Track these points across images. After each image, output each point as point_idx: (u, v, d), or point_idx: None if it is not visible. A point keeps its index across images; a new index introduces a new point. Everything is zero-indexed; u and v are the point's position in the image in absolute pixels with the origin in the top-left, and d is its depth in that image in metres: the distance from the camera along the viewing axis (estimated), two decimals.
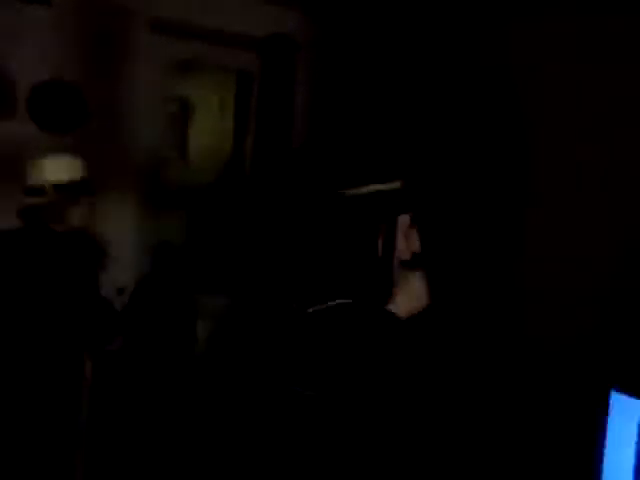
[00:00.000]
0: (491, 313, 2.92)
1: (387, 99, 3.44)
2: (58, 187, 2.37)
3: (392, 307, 1.85)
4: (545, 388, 2.50)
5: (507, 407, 2.61)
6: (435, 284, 1.89)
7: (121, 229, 3.24)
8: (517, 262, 2.96)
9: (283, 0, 3.62)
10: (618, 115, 2.69)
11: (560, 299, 2.72)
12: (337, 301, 1.80)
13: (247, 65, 3.70)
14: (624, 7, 2.68)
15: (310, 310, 1.80)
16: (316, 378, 1.80)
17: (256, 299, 3.48)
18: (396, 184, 1.97)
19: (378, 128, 3.22)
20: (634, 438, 1.87)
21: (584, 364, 2.37)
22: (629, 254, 2.54)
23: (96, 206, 2.52)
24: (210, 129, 3.70)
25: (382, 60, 3.51)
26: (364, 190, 1.98)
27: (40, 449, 2.25)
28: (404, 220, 1.89)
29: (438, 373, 1.90)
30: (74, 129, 2.94)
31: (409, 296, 1.75)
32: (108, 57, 3.31)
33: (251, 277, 3.60)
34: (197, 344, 3.33)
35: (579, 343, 2.42)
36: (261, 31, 3.62)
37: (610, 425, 1.94)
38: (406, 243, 1.84)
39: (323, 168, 3.10)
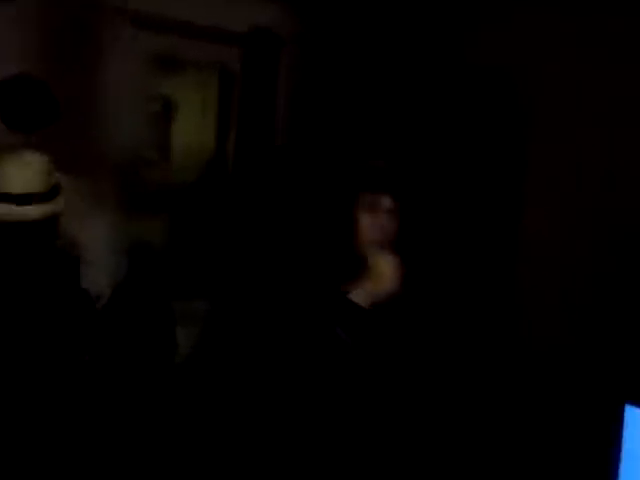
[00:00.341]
0: (488, 317, 2.80)
1: (375, 93, 3.32)
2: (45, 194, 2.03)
3: (357, 292, 1.75)
4: (554, 402, 2.38)
5: (514, 425, 2.50)
6: (410, 268, 1.80)
7: (97, 233, 3.08)
8: (512, 263, 2.85)
9: None
10: (616, 114, 2.59)
11: (558, 303, 2.61)
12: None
13: (229, 61, 3.55)
14: (624, 7, 2.59)
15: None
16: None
17: (237, 301, 3.35)
18: (380, 163, 1.91)
19: (366, 122, 3.12)
20: None
21: (595, 376, 2.25)
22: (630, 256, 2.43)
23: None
24: (192, 128, 3.55)
25: (369, 54, 3.38)
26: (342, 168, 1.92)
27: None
28: (380, 201, 1.83)
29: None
30: (43, 128, 2.77)
31: (377, 279, 1.76)
32: (84, 52, 3.14)
33: (232, 279, 3.47)
34: (177, 351, 3.19)
35: (589, 354, 2.31)
36: (244, 25, 3.47)
37: (625, 441, 1.81)
38: (372, 222, 1.82)
39: (305, 164, 2.95)
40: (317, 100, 3.54)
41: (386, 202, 1.87)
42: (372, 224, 1.83)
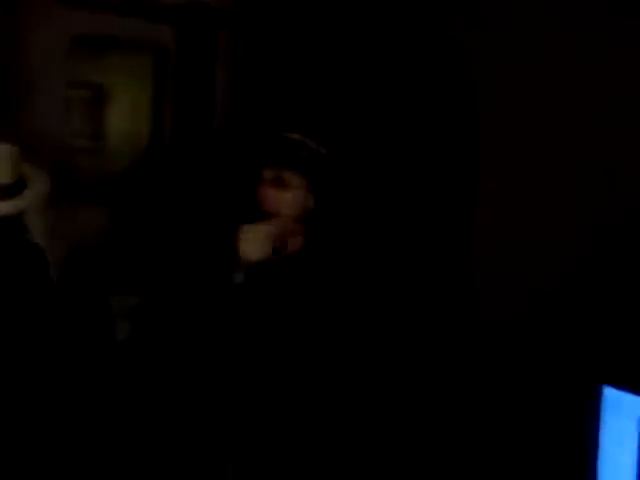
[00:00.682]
0: (444, 295, 2.74)
1: (317, 66, 3.20)
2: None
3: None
4: (529, 386, 2.33)
5: (484, 411, 2.44)
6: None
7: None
8: (467, 246, 2.78)
9: None
10: (571, 92, 2.52)
11: (526, 283, 2.55)
12: None
13: (163, 39, 3.35)
14: None
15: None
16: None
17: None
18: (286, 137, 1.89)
19: (304, 98, 3.04)
20: (634, 439, 1.68)
21: (570, 357, 2.20)
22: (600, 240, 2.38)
23: None
24: (126, 113, 3.35)
25: (315, 30, 3.25)
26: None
27: None
28: (282, 176, 1.82)
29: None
30: None
31: (241, 249, 1.79)
32: (4, 30, 2.89)
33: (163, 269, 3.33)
34: (117, 347, 3.04)
35: (562, 333, 2.26)
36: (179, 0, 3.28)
37: (605, 424, 1.75)
38: (272, 197, 1.83)
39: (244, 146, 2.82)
40: (258, 78, 3.39)
41: (288, 177, 1.86)
42: (271, 199, 1.84)
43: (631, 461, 1.68)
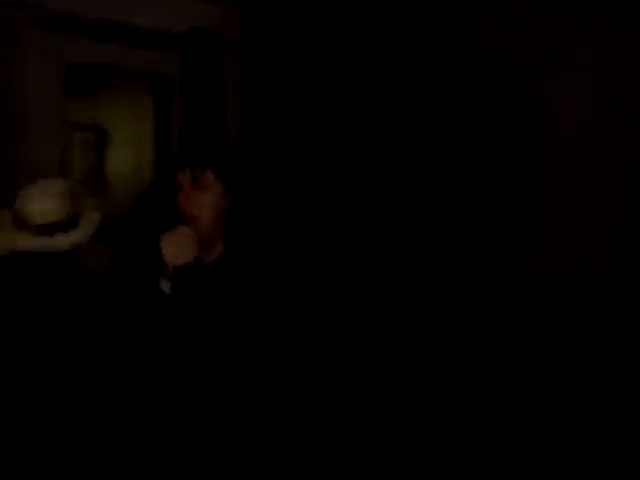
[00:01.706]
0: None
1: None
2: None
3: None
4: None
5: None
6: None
7: None
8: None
9: None
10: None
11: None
12: None
13: (167, 68, 3.08)
14: None
15: None
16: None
17: None
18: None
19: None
20: None
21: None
22: None
23: None
24: (129, 153, 3.08)
25: (321, 54, 2.99)
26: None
27: None
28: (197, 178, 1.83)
29: None
30: None
31: (178, 247, 1.82)
32: None
33: None
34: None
35: None
36: (181, 27, 3.02)
37: None
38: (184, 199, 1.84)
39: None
40: (273, 105, 3.13)
41: (204, 177, 1.89)
42: (191, 201, 1.88)
43: None
